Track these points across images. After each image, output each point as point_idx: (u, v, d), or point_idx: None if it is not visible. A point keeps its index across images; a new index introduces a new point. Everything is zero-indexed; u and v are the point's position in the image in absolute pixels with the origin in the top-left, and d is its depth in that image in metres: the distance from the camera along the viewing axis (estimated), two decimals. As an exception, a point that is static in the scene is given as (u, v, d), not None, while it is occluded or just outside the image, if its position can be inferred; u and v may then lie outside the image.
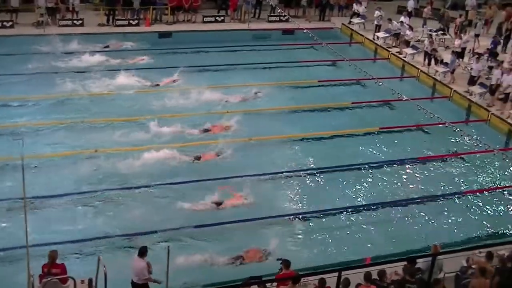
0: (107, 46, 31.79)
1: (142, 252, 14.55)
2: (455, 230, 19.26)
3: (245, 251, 17.03)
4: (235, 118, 24.20)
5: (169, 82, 27.87)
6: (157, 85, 27.70)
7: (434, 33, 35.61)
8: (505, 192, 21.88)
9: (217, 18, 36.51)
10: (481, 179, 22.70)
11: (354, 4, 38.24)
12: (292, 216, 19.09)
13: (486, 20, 37.74)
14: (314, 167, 22.01)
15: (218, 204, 19.01)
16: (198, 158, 21.26)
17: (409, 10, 37.85)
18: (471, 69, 29.34)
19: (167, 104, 25.50)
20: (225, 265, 16.54)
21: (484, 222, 19.88)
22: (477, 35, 34.20)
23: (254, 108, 26.03)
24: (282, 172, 21.44)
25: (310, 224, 19.06)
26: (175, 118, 23.99)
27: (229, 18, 37.00)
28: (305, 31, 30.40)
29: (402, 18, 35.07)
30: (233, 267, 16.51)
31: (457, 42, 31.83)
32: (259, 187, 19.83)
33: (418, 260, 14.51)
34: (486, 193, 21.73)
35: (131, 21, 34.73)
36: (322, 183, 21.22)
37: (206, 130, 23.60)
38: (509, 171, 22.70)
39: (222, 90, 27.26)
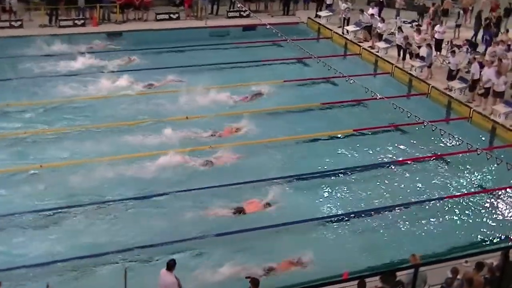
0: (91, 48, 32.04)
1: (171, 265, 14.69)
2: (438, 238, 19.31)
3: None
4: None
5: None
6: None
7: (408, 25, 35.94)
8: (491, 196, 22.05)
9: (171, 15, 36.37)
10: (464, 182, 22.84)
11: None
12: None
13: (465, 9, 38.17)
14: (282, 175, 21.89)
15: (239, 211, 19.66)
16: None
17: (381, 1, 38.09)
18: (449, 63, 29.61)
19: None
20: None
21: (469, 229, 19.96)
22: (458, 26, 34.54)
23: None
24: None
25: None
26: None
27: (184, 15, 36.83)
28: (268, 27, 30.39)
29: (370, 10, 35.34)
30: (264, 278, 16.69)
31: (419, 36, 32.00)
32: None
33: (401, 273, 14.45)
34: (470, 197, 21.86)
35: (76, 21, 34.43)
36: (291, 192, 21.11)
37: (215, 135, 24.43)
38: (494, 172, 22.84)
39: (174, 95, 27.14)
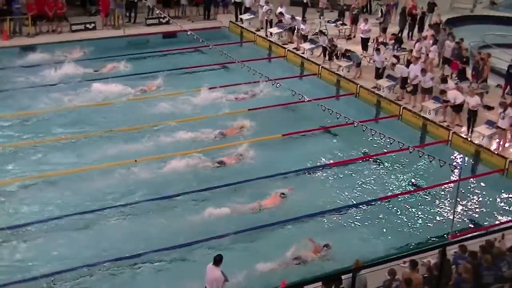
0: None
1: (217, 260, 15.63)
2: (375, 241, 19.55)
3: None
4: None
5: None
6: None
7: (333, 24, 36.39)
8: (425, 194, 22.47)
9: (87, 25, 35.88)
10: (398, 181, 23.23)
11: None
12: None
13: (388, 5, 38.81)
14: (215, 185, 21.93)
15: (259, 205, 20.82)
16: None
17: (305, 1, 38.45)
18: (374, 61, 30.11)
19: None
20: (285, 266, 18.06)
21: (405, 229, 20.29)
22: (381, 23, 35.13)
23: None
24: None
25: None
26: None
27: (101, 24, 36.41)
28: (188, 33, 30.26)
29: (279, 9, 35.80)
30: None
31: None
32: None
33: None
34: (404, 196, 22.23)
35: (-16, 36, 33.66)
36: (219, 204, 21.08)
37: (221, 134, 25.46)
38: (427, 169, 23.26)
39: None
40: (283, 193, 21.32)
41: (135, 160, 22.90)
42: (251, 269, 17.65)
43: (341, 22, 36.54)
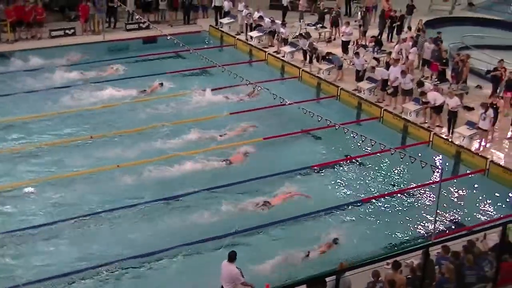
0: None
1: (232, 256, 15.87)
2: (358, 242, 19.57)
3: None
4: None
5: None
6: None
7: (313, 27, 36.47)
8: (407, 195, 22.55)
9: (66, 31, 35.72)
10: (380, 183, 23.29)
11: None
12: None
13: (368, 8, 39.00)
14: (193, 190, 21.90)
15: (266, 203, 21.11)
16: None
17: (285, 5, 38.53)
18: (353, 64, 30.23)
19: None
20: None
21: (389, 230, 20.33)
22: (360, 25, 35.27)
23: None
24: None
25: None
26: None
27: (80, 30, 36.25)
28: (169, 37, 30.21)
29: (256, 14, 35.93)
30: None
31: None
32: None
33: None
34: (387, 198, 22.29)
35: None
36: (207, 204, 21.11)
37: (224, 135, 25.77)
38: (409, 170, 23.32)
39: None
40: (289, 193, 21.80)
41: (117, 166, 22.90)
42: (260, 265, 18.03)
43: (321, 25, 36.63)
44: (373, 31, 35.55)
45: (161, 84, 30.04)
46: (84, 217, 20.26)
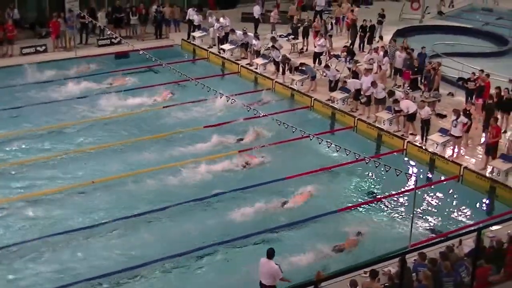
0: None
1: (271, 253, 16.31)
2: (336, 252, 19.59)
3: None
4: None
5: None
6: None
7: (285, 38, 36.62)
8: (382, 203, 22.60)
9: (37, 48, 35.52)
10: (355, 192, 23.31)
11: (190, 9, 38.54)
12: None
13: (338, 19, 39.31)
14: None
15: (284, 203, 21.96)
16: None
17: (257, 17, 38.65)
18: (326, 75, 30.36)
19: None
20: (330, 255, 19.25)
21: (364, 239, 20.27)
22: (330, 36, 35.47)
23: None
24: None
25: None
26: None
27: (52, 46, 36.06)
28: (141, 52, 30.13)
29: (222, 20, 36.16)
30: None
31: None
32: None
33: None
34: (363, 207, 22.33)
35: None
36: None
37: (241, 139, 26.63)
38: (384, 179, 23.39)
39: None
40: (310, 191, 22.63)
41: (92, 181, 22.92)
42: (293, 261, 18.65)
43: (293, 37, 36.76)
44: (343, 41, 35.74)
45: (172, 93, 30.90)
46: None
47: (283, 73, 31.82)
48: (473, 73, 28.57)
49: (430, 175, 25.00)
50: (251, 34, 35.19)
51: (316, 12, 40.71)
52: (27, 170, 23.97)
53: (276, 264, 16.36)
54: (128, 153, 25.58)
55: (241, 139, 26.62)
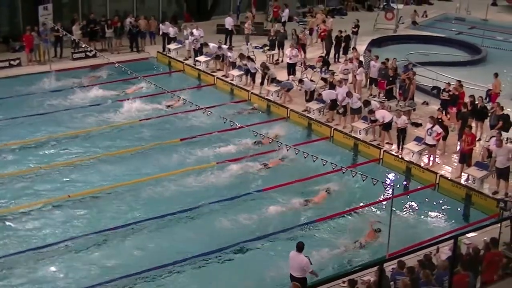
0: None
1: (300, 247, 17.06)
2: (314, 262, 19.52)
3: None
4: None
5: None
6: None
7: (260, 50, 36.78)
8: (359, 213, 22.68)
9: (11, 62, 35.33)
10: (332, 202, 23.30)
11: (161, 25, 38.54)
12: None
13: (311, 29, 39.58)
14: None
15: (306, 201, 22.83)
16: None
17: (229, 29, 38.79)
18: (300, 89, 30.51)
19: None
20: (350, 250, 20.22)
21: (342, 249, 20.36)
22: (302, 46, 35.65)
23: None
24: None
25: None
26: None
27: (26, 60, 35.88)
28: (116, 65, 30.09)
29: (195, 31, 36.29)
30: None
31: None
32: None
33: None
34: (340, 217, 22.39)
35: None
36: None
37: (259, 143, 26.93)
38: (361, 188, 23.43)
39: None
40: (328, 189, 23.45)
41: (69, 196, 22.85)
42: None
43: (268, 48, 36.91)
44: (318, 51, 35.99)
45: (184, 100, 30.61)
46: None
47: (262, 83, 31.96)
48: (448, 83, 28.86)
49: (406, 184, 25.16)
50: (225, 46, 35.32)
51: (282, 23, 40.96)
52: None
53: (306, 256, 17.05)
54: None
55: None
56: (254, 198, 23.33)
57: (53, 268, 19.30)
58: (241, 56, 33.61)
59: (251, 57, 34.00)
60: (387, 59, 31.33)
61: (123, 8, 41.59)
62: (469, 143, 23.92)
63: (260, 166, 25.27)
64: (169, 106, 30.85)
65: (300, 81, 30.33)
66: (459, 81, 28.81)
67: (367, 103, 27.51)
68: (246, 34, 39.03)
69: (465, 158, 24.07)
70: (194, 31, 36.45)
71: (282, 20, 41.78)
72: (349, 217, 22.37)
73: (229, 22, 39.16)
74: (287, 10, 42.56)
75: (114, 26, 38.21)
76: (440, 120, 25.34)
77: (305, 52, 35.97)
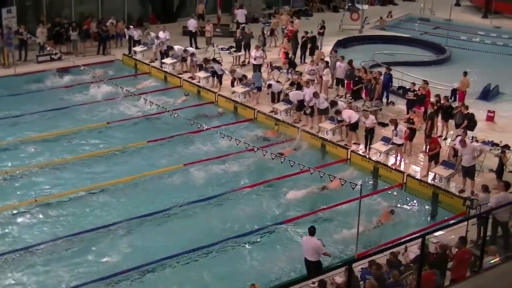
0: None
1: (312, 231, 17.90)
2: (281, 264, 19.64)
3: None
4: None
5: None
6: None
7: (226, 51, 36.74)
8: (327, 213, 22.67)
9: (-25, 66, 34.90)
10: (300, 203, 23.32)
11: (126, 29, 38.33)
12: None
13: (273, 30, 39.64)
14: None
15: (323, 188, 23.64)
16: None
17: (193, 31, 38.72)
18: (269, 93, 30.51)
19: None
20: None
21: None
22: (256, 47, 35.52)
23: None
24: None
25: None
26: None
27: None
28: (82, 68, 29.84)
29: (162, 33, 36.40)
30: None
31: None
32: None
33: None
34: (308, 217, 22.33)
35: None
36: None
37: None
38: (329, 189, 23.50)
39: None
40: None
41: (35, 200, 22.63)
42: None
43: (235, 50, 36.88)
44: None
45: (187, 95, 32.28)
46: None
47: (232, 85, 31.96)
48: (413, 83, 29.05)
49: (374, 184, 25.24)
50: (191, 49, 35.25)
51: (238, 25, 40.94)
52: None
53: (318, 239, 17.81)
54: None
55: None
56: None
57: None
58: (206, 60, 33.55)
59: (217, 59, 33.90)
60: (351, 60, 31.49)
61: (88, 11, 41.28)
62: (432, 149, 24.17)
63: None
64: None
65: (269, 86, 30.24)
66: (425, 81, 29.02)
67: (334, 103, 27.57)
68: (208, 37, 39.00)
69: (433, 157, 24.23)
70: (160, 33, 36.33)
71: (239, 21, 41.66)
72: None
73: (192, 24, 39.09)
74: (240, 11, 42.34)
75: (86, 29, 38.06)
76: (411, 120, 25.52)
77: None
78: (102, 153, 26.52)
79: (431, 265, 16.63)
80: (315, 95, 27.69)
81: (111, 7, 42.43)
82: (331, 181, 21.58)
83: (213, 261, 19.91)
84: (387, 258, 16.93)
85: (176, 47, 35.25)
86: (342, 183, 20.14)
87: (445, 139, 26.67)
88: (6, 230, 21.12)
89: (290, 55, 35.63)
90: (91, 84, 32.75)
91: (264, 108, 30.03)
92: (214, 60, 33.12)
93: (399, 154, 25.17)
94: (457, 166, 23.63)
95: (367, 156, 25.72)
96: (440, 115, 26.83)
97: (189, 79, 33.96)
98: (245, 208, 22.91)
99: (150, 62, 36.59)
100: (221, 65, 32.60)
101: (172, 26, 41.33)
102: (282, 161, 22.04)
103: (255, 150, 23.23)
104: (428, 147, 24.48)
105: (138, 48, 37.43)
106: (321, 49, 37.77)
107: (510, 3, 50.95)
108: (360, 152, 26.02)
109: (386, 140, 25.64)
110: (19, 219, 21.65)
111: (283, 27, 40.20)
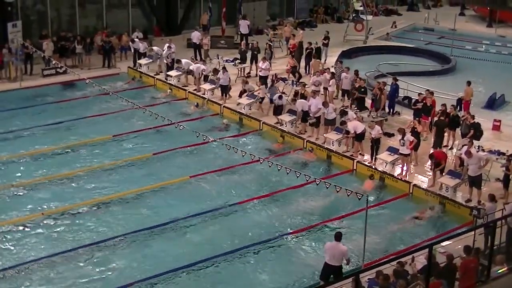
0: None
1: (338, 236, 18.04)
2: (289, 276, 19.61)
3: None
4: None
5: None
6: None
7: (231, 63, 36.80)
8: (334, 224, 22.66)
9: (-20, 80, 35.02)
10: (306, 214, 23.32)
11: (131, 42, 38.47)
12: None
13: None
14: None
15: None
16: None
17: (197, 43, 38.85)
18: (272, 104, 30.58)
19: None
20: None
21: (319, 260, 20.28)
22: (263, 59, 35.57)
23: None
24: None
25: None
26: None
27: (-5, 78, 35.54)
28: (87, 81, 29.93)
29: (165, 47, 36.38)
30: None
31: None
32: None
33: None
34: (314, 228, 22.42)
35: None
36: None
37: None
38: (335, 200, 23.40)
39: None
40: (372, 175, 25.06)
41: (42, 213, 22.66)
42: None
43: (240, 61, 36.94)
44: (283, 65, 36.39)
45: (197, 105, 32.13)
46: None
47: (240, 96, 31.96)
48: (420, 94, 29.10)
49: (380, 194, 25.21)
50: (202, 66, 35.26)
51: (242, 36, 41.04)
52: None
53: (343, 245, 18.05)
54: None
55: None
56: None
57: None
58: (215, 70, 33.61)
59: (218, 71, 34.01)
60: (356, 71, 31.60)
61: (92, 24, 41.46)
62: (438, 165, 24.31)
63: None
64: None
65: (280, 97, 30.11)
66: (428, 90, 29.06)
67: (344, 113, 27.54)
68: (205, 50, 39.09)
69: (439, 166, 24.24)
70: (165, 46, 36.41)
71: (242, 32, 41.80)
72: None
73: (196, 36, 39.19)
74: (243, 22, 42.35)
75: (84, 42, 38.13)
76: (414, 129, 25.55)
77: None
78: (108, 166, 26.52)
79: (438, 275, 16.60)
80: (325, 104, 27.71)
81: (115, 21, 42.57)
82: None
83: (219, 273, 19.88)
84: (394, 268, 16.90)
85: (183, 60, 35.26)
86: (348, 194, 20.12)
87: (451, 148, 26.66)
88: (15, 242, 21.13)
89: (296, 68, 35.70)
90: (97, 96, 32.83)
91: (269, 119, 30.04)
92: (215, 70, 33.26)
93: (405, 164, 25.15)
94: (464, 175, 23.62)
95: (373, 167, 25.71)
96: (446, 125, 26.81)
97: (195, 92, 33.93)
98: (251, 219, 22.92)
99: (155, 74, 36.66)
100: (229, 75, 32.70)
101: (177, 38, 41.41)
102: (288, 172, 22.04)
103: (261, 161, 23.24)
104: (433, 163, 24.45)
105: (143, 61, 37.48)
106: (326, 59, 37.85)
107: (514, 12, 51.08)
108: (366, 163, 26.01)
109: (392, 150, 25.64)
110: (26, 232, 21.65)
111: (287, 37, 40.28)
